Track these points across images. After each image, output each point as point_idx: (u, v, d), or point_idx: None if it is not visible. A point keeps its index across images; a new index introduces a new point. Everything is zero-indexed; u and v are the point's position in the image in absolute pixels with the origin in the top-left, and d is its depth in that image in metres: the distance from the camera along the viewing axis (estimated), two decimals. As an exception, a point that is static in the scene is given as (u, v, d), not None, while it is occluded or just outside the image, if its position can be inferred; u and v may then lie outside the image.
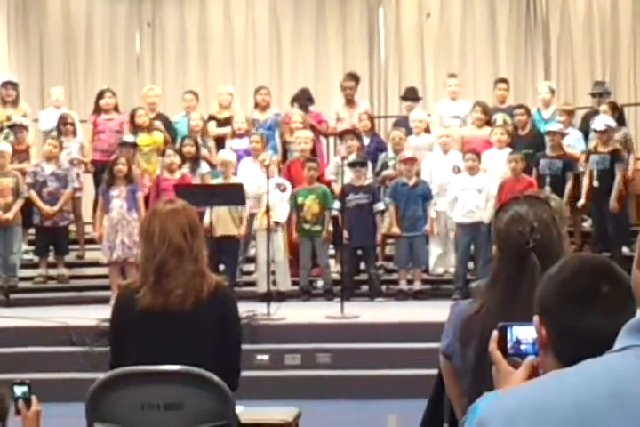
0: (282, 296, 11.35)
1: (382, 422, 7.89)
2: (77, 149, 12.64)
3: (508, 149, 11.71)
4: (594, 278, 2.09)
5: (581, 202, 11.45)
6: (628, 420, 1.24)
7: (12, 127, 12.50)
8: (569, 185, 11.44)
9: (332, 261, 12.03)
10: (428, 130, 12.67)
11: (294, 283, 11.75)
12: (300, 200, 11.61)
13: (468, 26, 16.28)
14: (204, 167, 12.04)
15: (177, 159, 11.74)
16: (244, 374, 8.67)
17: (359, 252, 11.83)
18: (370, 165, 12.02)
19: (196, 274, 4.55)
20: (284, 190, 11.51)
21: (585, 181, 11.51)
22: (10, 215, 11.41)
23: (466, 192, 11.45)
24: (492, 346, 2.43)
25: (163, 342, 4.52)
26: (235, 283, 10.93)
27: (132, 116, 12.53)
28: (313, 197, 11.58)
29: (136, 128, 12.48)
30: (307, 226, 11.59)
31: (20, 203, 11.54)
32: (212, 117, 13.05)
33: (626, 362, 1.29)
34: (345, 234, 11.37)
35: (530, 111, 12.56)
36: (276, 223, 11.35)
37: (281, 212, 11.51)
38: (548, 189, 10.87)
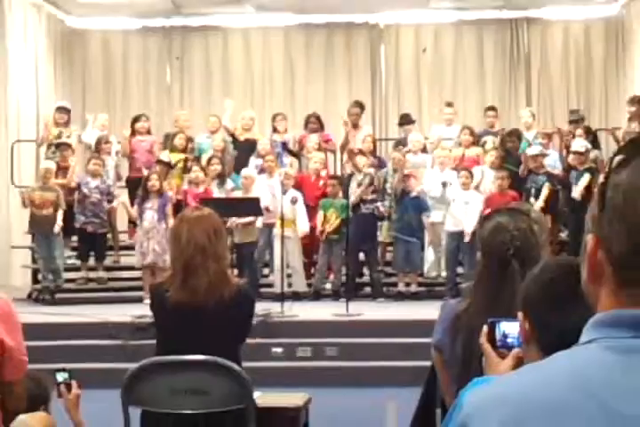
0: (297, 296, 11.39)
1: (382, 407, 7.86)
2: (113, 167, 12.76)
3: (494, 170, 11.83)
4: (571, 280, 2.08)
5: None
6: (594, 409, 1.22)
7: (59, 146, 12.57)
8: (544, 191, 11.43)
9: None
10: (424, 150, 12.72)
11: (308, 285, 11.77)
12: (323, 210, 11.69)
13: (458, 60, 16.32)
14: (229, 183, 12.12)
15: (202, 175, 11.86)
16: (261, 364, 8.70)
17: (361, 256, 11.82)
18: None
19: (219, 273, 4.54)
20: (294, 202, 11.53)
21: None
22: (57, 228, 11.45)
23: (456, 204, 11.49)
24: (483, 339, 2.42)
25: (188, 334, 4.52)
26: (256, 283, 10.97)
27: (173, 138, 12.83)
28: (332, 210, 11.62)
29: (173, 147, 12.70)
30: (327, 234, 11.61)
31: (60, 214, 11.56)
32: (233, 138, 13.18)
33: (591, 354, 1.28)
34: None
35: (521, 137, 12.65)
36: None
37: (302, 224, 11.60)
38: (532, 200, 10.99)
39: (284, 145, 12.88)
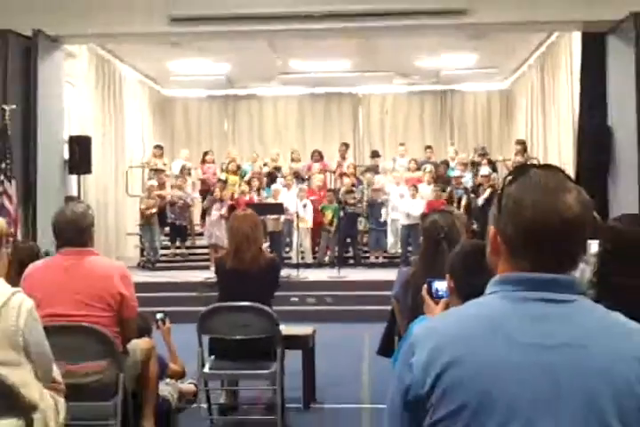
0: (307, 265, 11.35)
1: (361, 335, 7.85)
2: (191, 184, 12.75)
3: (431, 185, 11.78)
4: (479, 254, 2.08)
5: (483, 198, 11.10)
6: (499, 338, 1.23)
7: (156, 170, 12.57)
8: (463, 202, 11.45)
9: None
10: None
11: (314, 258, 11.72)
12: (323, 210, 11.62)
13: (408, 116, 16.32)
14: (263, 194, 12.11)
15: (247, 188, 11.87)
16: (285, 307, 8.62)
17: (348, 240, 11.81)
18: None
19: (257, 250, 4.55)
20: (304, 206, 11.54)
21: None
22: (151, 211, 11.48)
23: (408, 207, 11.46)
24: (424, 292, 2.42)
25: (238, 288, 4.52)
26: (281, 256, 10.97)
27: (227, 165, 12.85)
28: (329, 211, 11.59)
29: (228, 171, 12.70)
30: (325, 226, 11.59)
31: (154, 211, 11.58)
32: (265, 165, 13.24)
33: (492, 302, 1.28)
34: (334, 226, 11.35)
35: (449, 165, 12.68)
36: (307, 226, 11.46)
37: (309, 219, 11.53)
38: (455, 205, 11.02)
39: (298, 175, 12.81)
